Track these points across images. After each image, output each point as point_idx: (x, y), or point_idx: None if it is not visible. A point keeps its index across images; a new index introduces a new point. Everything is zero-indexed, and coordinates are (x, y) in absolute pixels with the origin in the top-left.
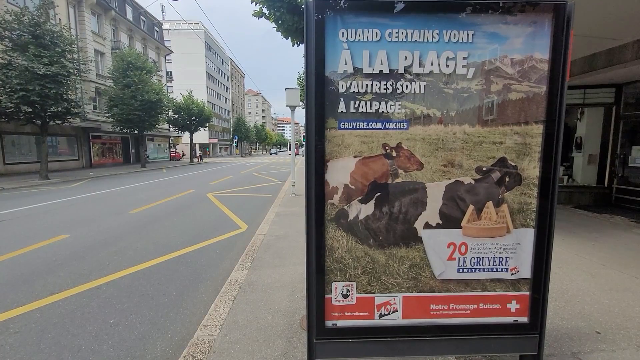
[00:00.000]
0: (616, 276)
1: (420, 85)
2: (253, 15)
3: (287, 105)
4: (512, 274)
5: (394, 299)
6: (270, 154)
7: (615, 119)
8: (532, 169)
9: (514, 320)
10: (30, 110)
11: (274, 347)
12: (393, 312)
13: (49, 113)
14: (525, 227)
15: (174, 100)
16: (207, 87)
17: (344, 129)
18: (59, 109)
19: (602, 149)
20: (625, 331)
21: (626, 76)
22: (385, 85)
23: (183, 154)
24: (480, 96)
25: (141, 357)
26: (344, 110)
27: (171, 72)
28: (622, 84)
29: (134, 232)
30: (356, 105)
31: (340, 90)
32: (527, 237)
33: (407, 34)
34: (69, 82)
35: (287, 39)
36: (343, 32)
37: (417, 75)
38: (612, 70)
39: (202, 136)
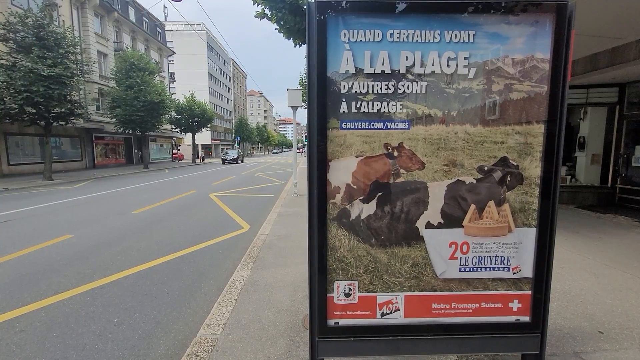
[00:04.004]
0: (619, 276)
1: (421, 86)
2: (255, 16)
3: (289, 106)
4: (513, 273)
5: (396, 298)
6: (225, 161)
7: (618, 119)
8: (533, 169)
9: (516, 320)
10: (34, 111)
11: (277, 346)
12: (395, 311)
13: (53, 114)
14: (526, 226)
15: (177, 101)
16: (209, 87)
17: (346, 129)
18: (63, 110)
19: (605, 148)
20: (628, 331)
21: (629, 75)
22: (387, 85)
23: (189, 156)
24: (482, 96)
25: (145, 355)
26: (346, 111)
27: (173, 73)
28: (625, 83)
29: (137, 232)
30: (358, 105)
31: (342, 91)
32: (528, 236)
33: (408, 34)
34: (72, 83)
35: (289, 39)
36: (345, 33)
37: (419, 75)
38: (615, 69)
39: (204, 137)
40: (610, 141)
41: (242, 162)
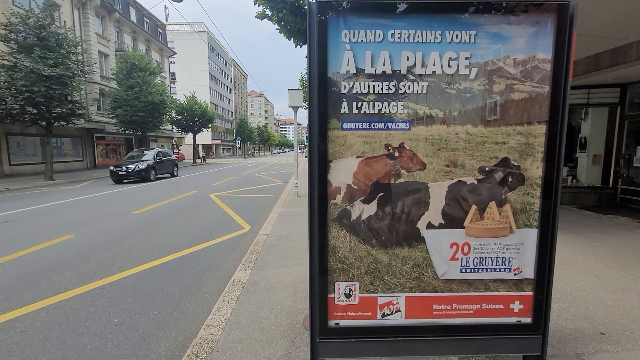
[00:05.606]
0: (621, 277)
1: (422, 86)
2: (256, 16)
3: (289, 106)
4: (515, 274)
5: (397, 299)
6: (119, 179)
7: (619, 119)
8: (535, 169)
9: (517, 321)
10: (35, 111)
11: (277, 347)
12: (396, 312)
13: (54, 114)
14: (528, 227)
15: (177, 102)
16: (210, 88)
17: (347, 129)
18: (64, 110)
19: (606, 149)
20: (630, 332)
21: (631, 76)
22: (388, 85)
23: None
24: (483, 96)
25: (145, 356)
26: (347, 111)
27: (174, 74)
28: (626, 83)
29: (137, 232)
30: (359, 105)
31: (343, 91)
32: (530, 237)
33: (409, 34)
34: (73, 83)
35: (289, 40)
36: (346, 33)
37: (420, 75)
38: (616, 70)
39: (205, 137)
40: (611, 142)
41: (175, 175)
